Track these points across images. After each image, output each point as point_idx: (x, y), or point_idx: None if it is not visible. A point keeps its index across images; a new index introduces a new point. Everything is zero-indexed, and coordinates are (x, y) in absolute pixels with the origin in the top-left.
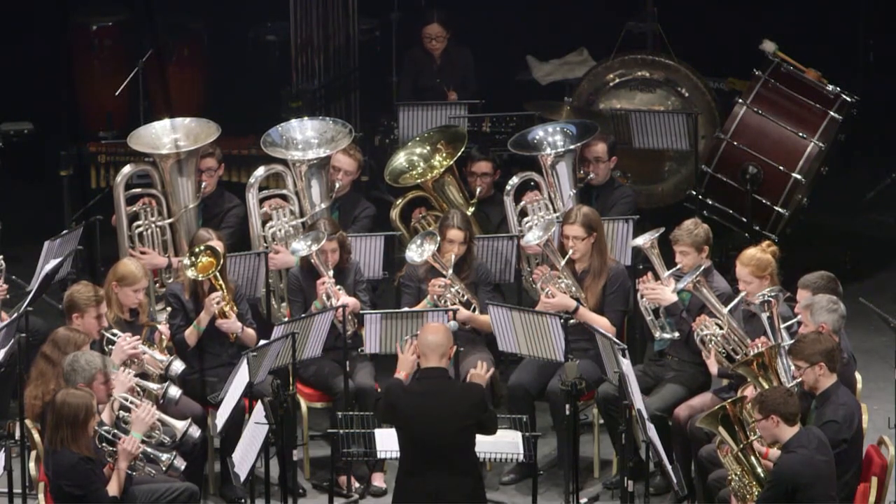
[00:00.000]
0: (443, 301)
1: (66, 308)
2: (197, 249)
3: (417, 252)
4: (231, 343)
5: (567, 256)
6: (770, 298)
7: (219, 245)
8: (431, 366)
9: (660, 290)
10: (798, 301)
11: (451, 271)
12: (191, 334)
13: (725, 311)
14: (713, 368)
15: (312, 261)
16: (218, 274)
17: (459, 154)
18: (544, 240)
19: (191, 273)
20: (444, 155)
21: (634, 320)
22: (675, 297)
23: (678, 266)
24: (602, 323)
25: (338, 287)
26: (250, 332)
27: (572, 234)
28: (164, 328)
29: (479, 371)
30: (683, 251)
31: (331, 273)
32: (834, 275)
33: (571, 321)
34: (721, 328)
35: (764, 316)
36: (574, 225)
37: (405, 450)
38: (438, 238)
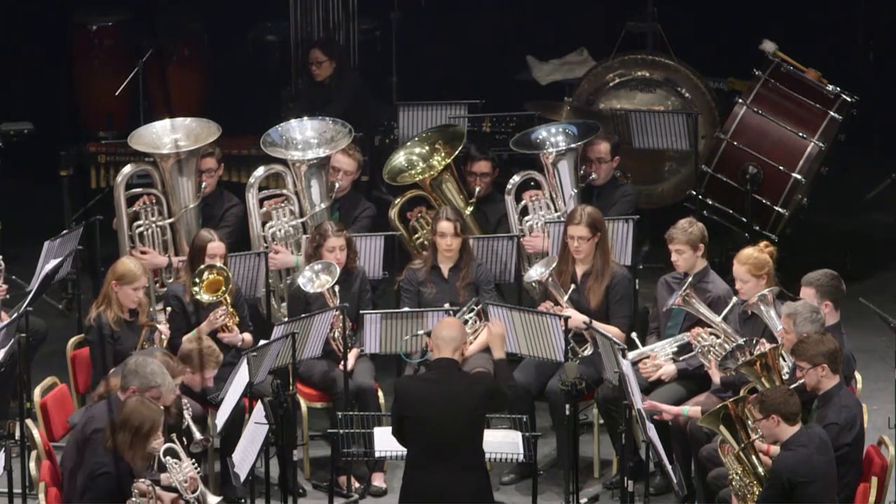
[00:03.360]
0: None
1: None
2: (201, 267)
3: (308, 280)
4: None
5: (569, 292)
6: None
7: (221, 247)
8: (443, 356)
9: (664, 368)
10: (802, 299)
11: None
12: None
13: (718, 319)
14: (716, 378)
15: (324, 295)
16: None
17: (457, 153)
18: (546, 275)
19: (206, 297)
20: (443, 154)
21: (635, 321)
22: (675, 369)
23: (676, 284)
24: (612, 332)
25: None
26: (248, 338)
27: (577, 235)
28: (164, 328)
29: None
30: (679, 249)
31: (336, 302)
32: (837, 273)
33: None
34: (717, 337)
35: (762, 308)
36: (579, 225)
37: (413, 442)
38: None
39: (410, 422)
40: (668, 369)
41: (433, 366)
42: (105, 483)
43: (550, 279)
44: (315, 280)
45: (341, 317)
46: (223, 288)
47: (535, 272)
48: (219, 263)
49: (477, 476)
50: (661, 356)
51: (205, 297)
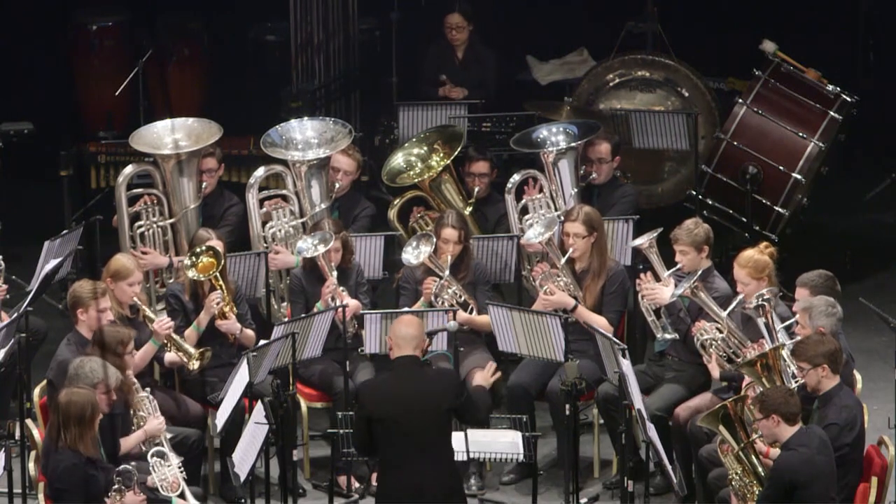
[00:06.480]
0: (440, 301)
1: (70, 305)
2: (198, 249)
3: (413, 254)
4: (231, 343)
5: (567, 255)
6: (764, 303)
7: (219, 245)
8: (404, 354)
9: (658, 291)
10: (797, 300)
11: (447, 272)
12: (190, 335)
13: (724, 314)
14: (715, 373)
15: (318, 262)
16: (218, 274)
17: (456, 154)
18: (546, 237)
19: (191, 273)
20: (442, 155)
21: (634, 320)
22: (668, 296)
23: (678, 265)
24: (600, 322)
25: (341, 289)
26: (249, 333)
27: (573, 232)
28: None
29: (486, 374)
30: (683, 251)
31: (335, 274)
32: (832, 273)
33: (570, 320)
34: (721, 332)
35: (760, 321)
36: (576, 222)
37: (384, 443)
38: (434, 239)
39: (380, 423)
40: (665, 294)
41: (395, 364)
42: (73, 474)
43: (550, 241)
44: (313, 249)
45: (342, 315)
46: (215, 267)
47: (535, 233)
48: (216, 247)
49: (449, 471)
50: (665, 282)
51: (191, 274)
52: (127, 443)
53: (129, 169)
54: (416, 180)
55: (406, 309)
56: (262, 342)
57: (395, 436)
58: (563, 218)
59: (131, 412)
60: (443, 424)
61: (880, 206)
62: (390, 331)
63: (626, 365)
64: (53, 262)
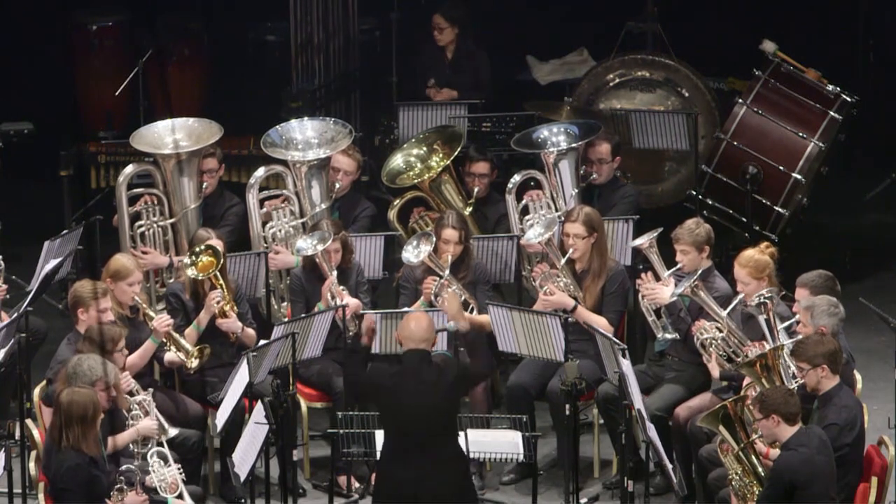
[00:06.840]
0: (440, 301)
1: (70, 305)
2: (197, 249)
3: (414, 253)
4: (231, 343)
5: (567, 255)
6: (766, 300)
7: (219, 244)
8: (413, 348)
9: (658, 291)
10: (797, 300)
11: (447, 272)
12: (190, 334)
13: (724, 313)
14: (714, 372)
15: (317, 260)
16: (218, 273)
17: (456, 154)
18: (546, 238)
19: (191, 272)
20: (441, 155)
21: (634, 320)
22: (668, 294)
23: (679, 265)
24: (600, 323)
25: (341, 287)
26: (250, 332)
27: (573, 232)
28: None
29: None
30: (684, 250)
31: (335, 273)
32: (832, 273)
33: (570, 320)
34: (721, 331)
35: (761, 318)
36: (576, 223)
37: (387, 434)
38: (434, 238)
39: (383, 414)
40: (665, 294)
41: (404, 358)
42: (77, 474)
43: (549, 242)
44: (312, 248)
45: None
46: (214, 265)
47: (535, 233)
48: (216, 246)
49: (454, 468)
50: (666, 282)
51: (191, 273)
52: (119, 440)
53: (129, 169)
54: (415, 181)
55: (406, 309)
56: (262, 342)
57: (397, 426)
58: (563, 218)
59: (125, 412)
60: (447, 419)
61: (880, 206)
62: (400, 327)
63: (626, 365)
64: (53, 262)
